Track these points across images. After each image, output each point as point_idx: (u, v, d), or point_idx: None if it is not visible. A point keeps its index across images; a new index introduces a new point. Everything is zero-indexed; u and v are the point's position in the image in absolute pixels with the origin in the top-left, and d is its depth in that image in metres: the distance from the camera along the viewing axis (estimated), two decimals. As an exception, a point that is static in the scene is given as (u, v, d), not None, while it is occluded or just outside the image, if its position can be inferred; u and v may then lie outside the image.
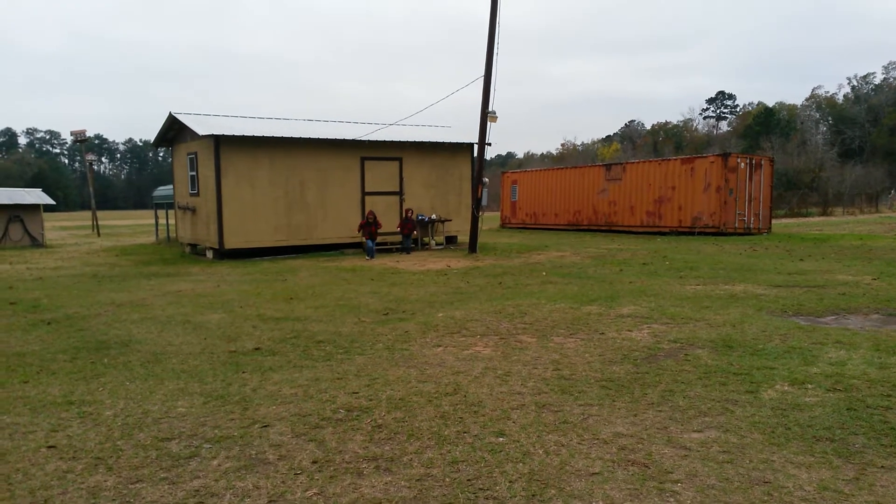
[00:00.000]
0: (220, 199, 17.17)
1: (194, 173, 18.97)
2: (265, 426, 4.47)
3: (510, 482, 3.55)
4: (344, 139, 18.79)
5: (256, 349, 6.78)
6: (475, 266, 14.65)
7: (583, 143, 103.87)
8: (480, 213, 18.58)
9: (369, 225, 17.49)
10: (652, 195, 25.70)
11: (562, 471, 3.69)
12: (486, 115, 17.93)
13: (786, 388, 5.16)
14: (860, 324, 7.64)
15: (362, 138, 18.92)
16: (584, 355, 6.31)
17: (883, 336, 6.89)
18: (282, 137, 17.82)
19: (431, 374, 5.68)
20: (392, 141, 19.45)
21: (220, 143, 17.08)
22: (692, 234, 23.80)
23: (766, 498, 3.33)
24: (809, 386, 5.18)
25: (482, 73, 17.55)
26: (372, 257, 17.07)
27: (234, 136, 17.13)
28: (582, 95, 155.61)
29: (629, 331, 7.33)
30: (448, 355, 6.38)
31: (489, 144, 18.58)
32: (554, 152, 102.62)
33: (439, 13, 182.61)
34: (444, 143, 20.56)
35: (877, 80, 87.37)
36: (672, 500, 3.34)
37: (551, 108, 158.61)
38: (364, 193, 19.12)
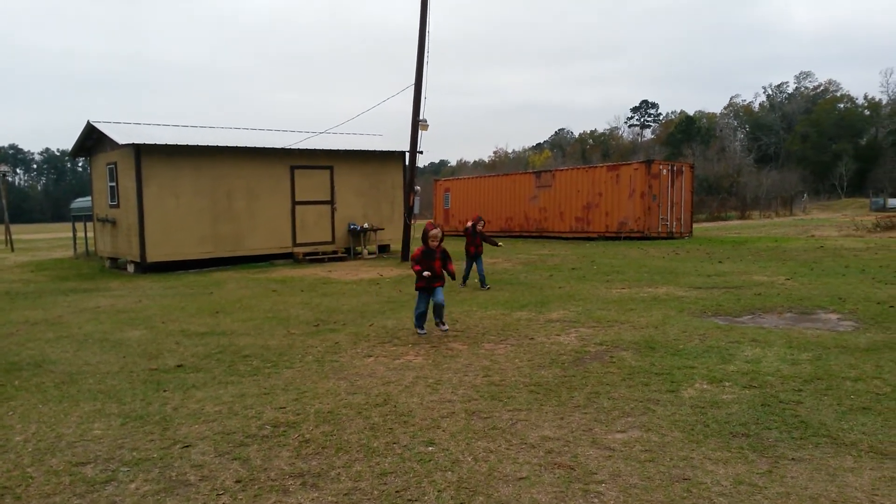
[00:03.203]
0: (142, 210, 16.57)
1: (114, 184, 18.24)
2: (186, 446, 4.32)
3: (439, 491, 3.54)
4: (273, 147, 18.46)
5: (179, 366, 6.55)
6: (408, 275, 14.61)
7: (514, 151, 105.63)
8: (413, 222, 18.59)
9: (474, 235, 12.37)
10: (581, 201, 26.31)
11: (490, 477, 3.71)
12: (417, 124, 17.97)
13: (705, 386, 5.35)
14: (774, 322, 8.02)
15: (292, 146, 18.64)
16: (514, 361, 6.37)
17: (795, 334, 7.25)
18: (207, 146, 17.35)
19: (362, 386, 5.62)
20: (323, 149, 19.24)
21: (142, 153, 16.49)
22: (619, 238, 24.48)
23: (685, 495, 3.44)
24: (727, 384, 5.40)
25: (413, 81, 17.61)
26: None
27: (156, 145, 16.57)
28: (513, 104, 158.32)
29: (558, 335, 7.46)
30: (379, 365, 6.33)
31: (421, 152, 18.64)
32: (486, 160, 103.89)
33: (368, 22, 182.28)
34: (375, 151, 20.49)
35: (790, 89, 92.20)
36: (596, 500, 3.41)
37: (484, 117, 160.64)
38: (294, 203, 18.82)
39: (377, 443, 4.26)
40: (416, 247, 7.95)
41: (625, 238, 24.35)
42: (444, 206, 33.54)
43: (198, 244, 17.36)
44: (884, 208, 50.85)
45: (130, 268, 17.47)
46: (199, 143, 17.25)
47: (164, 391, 5.65)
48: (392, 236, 20.35)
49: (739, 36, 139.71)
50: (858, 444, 4.06)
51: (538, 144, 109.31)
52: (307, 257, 18.55)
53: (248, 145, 18.10)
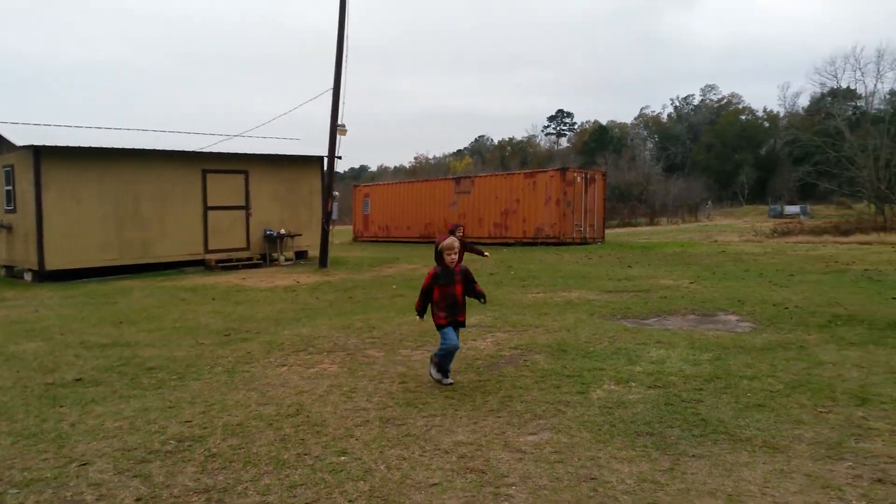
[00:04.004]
0: (41, 215, 15.62)
1: (10, 188, 17.12)
2: (84, 464, 4.09)
3: (350, 502, 3.49)
4: (183, 150, 17.82)
5: (78, 380, 6.20)
6: (325, 281, 14.42)
7: (435, 157, 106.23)
8: (331, 227, 18.36)
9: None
10: (499, 207, 26.72)
11: (402, 485, 3.69)
12: (335, 128, 17.79)
13: (612, 387, 5.53)
14: (678, 324, 8.38)
15: (204, 150, 18.06)
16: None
17: (697, 335, 7.60)
18: (113, 148, 16.57)
19: (273, 396, 5.48)
20: (237, 153, 18.73)
21: (41, 155, 15.56)
22: (535, 244, 25.00)
23: (591, 494, 3.53)
24: (633, 384, 5.59)
25: (331, 85, 17.42)
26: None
27: (57, 147, 15.68)
28: (434, 110, 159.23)
29: (474, 340, 7.52)
30: (293, 375, 6.20)
31: (339, 157, 18.46)
32: (407, 165, 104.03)
33: (284, 24, 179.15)
34: (292, 156, 20.13)
35: (696, 102, 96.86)
36: (506, 503, 3.45)
37: (405, 122, 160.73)
38: (207, 208, 18.23)
39: (288, 454, 4.16)
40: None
41: (541, 244, 24.90)
42: (363, 211, 33.33)
43: (102, 251, 16.53)
44: (781, 215, 54.23)
45: (28, 276, 16.43)
46: (104, 146, 16.45)
47: (61, 407, 5.33)
48: (310, 242, 20.02)
49: (649, 49, 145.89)
50: (753, 440, 4.28)
51: (459, 151, 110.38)
52: (220, 264, 17.99)
53: (156, 148, 17.41)
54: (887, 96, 56.58)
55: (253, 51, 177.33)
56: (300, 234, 19.88)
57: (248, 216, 19.05)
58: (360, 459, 4.06)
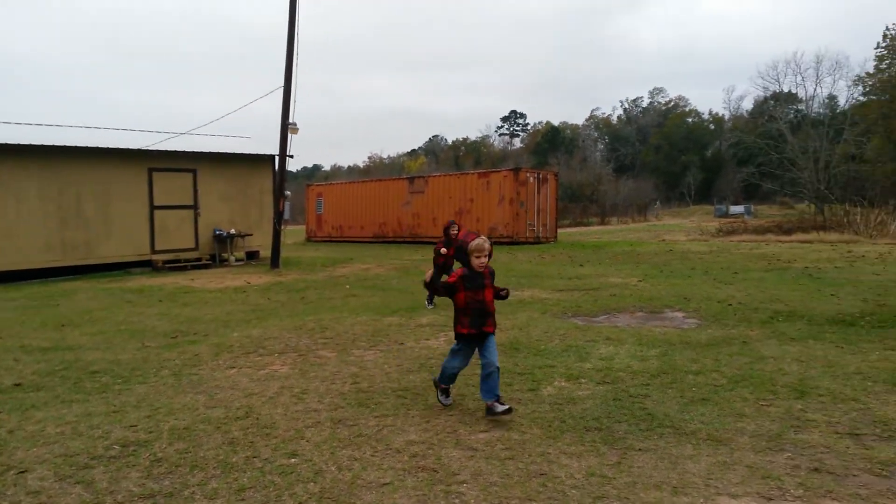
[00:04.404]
0: (-24, 215, 14.98)
1: (-58, 186, 16.36)
2: (23, 472, 3.95)
3: (299, 503, 3.46)
4: (129, 149, 17.34)
5: (17, 385, 5.98)
6: (277, 281, 14.23)
7: (390, 157, 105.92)
8: (283, 227, 18.13)
9: (450, 244, 9.82)
10: (453, 207, 26.78)
11: (353, 485, 3.67)
12: (286, 127, 17.56)
13: (563, 383, 5.61)
14: (627, 321, 8.55)
15: (150, 147, 17.63)
16: (384, 367, 6.37)
17: (644, 332, 7.76)
18: (55, 146, 16.00)
19: (222, 399, 5.38)
20: (185, 151, 18.33)
21: (-25, 152, 14.93)
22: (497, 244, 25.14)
23: (540, 489, 3.57)
24: (583, 380, 5.68)
25: (282, 83, 17.19)
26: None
27: (-8, 144, 15.06)
28: (388, 109, 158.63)
29: (427, 339, 7.54)
30: (242, 377, 6.10)
31: (291, 156, 18.23)
32: (361, 165, 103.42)
33: (234, 20, 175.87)
34: (243, 154, 19.80)
35: (644, 104, 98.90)
36: (457, 500, 3.47)
37: (359, 122, 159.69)
38: (153, 207, 17.77)
39: (236, 458, 4.09)
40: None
41: (494, 243, 25.05)
42: (316, 211, 32.99)
43: (43, 252, 15.95)
44: (726, 215, 55.81)
45: (-39, 279, 15.73)
46: (46, 143, 15.88)
47: (-3, 414, 5.13)
48: (261, 242, 19.71)
49: (600, 51, 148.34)
50: (698, 433, 4.40)
51: (413, 150, 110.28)
52: (168, 265, 17.57)
53: (100, 146, 16.90)
54: (826, 100, 58.86)
55: (202, 47, 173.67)
56: (251, 234, 19.56)
57: (196, 216, 18.65)
58: (310, 461, 4.03)
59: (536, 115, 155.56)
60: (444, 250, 9.78)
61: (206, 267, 18.01)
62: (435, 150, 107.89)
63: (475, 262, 4.92)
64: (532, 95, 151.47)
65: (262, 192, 20.19)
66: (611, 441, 4.27)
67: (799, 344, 6.94)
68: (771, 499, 3.45)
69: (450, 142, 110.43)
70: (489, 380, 4.72)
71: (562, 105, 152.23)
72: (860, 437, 4.28)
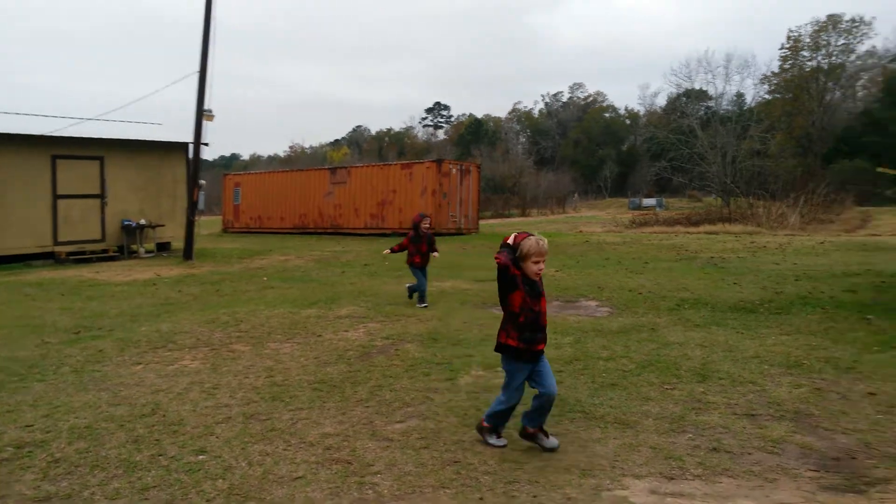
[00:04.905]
0: None
1: None
2: None
3: (207, 501, 3.36)
4: (30, 135, 16.29)
5: None
6: (189, 274, 13.74)
7: (312, 147, 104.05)
8: (197, 218, 17.51)
9: (419, 240, 9.37)
10: (375, 198, 26.59)
11: (264, 480, 3.60)
12: (202, 113, 16.93)
13: (480, 372, 5.68)
14: (544, 310, 8.72)
15: (54, 134, 16.60)
16: (300, 359, 6.26)
17: (560, 320, 7.95)
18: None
19: (127, 396, 5.15)
20: (91, 138, 17.37)
21: None
22: (412, 235, 25.17)
23: (454, 476, 3.61)
24: (499, 369, 5.72)
25: (197, 69, 16.55)
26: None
27: None
28: (311, 99, 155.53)
29: (346, 331, 7.46)
30: (149, 373, 5.86)
31: (206, 144, 17.57)
32: (282, 154, 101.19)
33: (145, 4, 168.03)
34: (154, 141, 18.95)
35: (564, 98, 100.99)
36: (371, 491, 3.46)
37: (279, 110, 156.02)
38: (56, 196, 16.77)
39: (140, 456, 3.93)
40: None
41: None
42: (233, 201, 32.05)
43: (-70, 243, 14.80)
44: (639, 207, 57.81)
45: None
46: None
47: None
48: (174, 233, 18.97)
49: (523, 46, 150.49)
50: (606, 417, 4.55)
51: (336, 141, 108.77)
52: (72, 257, 16.65)
53: (-4, 130, 15.79)
54: (734, 98, 61.84)
55: (112, 31, 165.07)
56: (162, 225, 18.80)
57: (103, 205, 17.74)
58: (219, 457, 3.92)
59: (460, 108, 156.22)
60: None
61: (113, 259, 17.19)
62: (358, 141, 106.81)
63: (532, 268, 4.01)
64: (456, 87, 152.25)
65: (175, 181, 19.41)
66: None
67: (703, 330, 7.28)
68: (672, 478, 3.61)
69: (373, 132, 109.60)
70: (541, 411, 3.98)
71: (485, 98, 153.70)
72: (756, 418, 4.53)
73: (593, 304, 9.22)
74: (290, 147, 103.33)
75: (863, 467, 3.75)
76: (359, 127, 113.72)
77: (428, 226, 9.45)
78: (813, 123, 51.73)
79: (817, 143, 50.78)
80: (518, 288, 4.01)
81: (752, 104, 58.58)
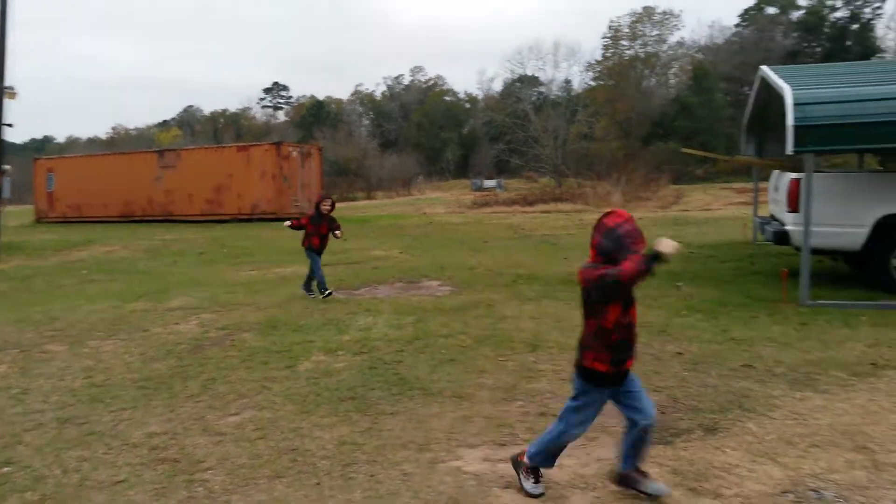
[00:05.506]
0: None
1: None
2: None
3: (12, 518, 3.05)
4: None
5: None
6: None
7: (138, 128, 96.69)
8: (2, 207, 15.67)
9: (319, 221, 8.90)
10: (210, 183, 25.26)
11: (81, 487, 3.33)
12: (1, 91, 15.11)
13: (321, 357, 5.61)
14: (387, 292, 8.80)
15: None
16: (124, 357, 5.83)
17: (402, 301, 8.05)
18: None
19: (-88, 410, 4.53)
20: None
21: None
22: (251, 220, 24.23)
23: (290, 465, 3.55)
24: (341, 353, 5.73)
25: (-10, 39, 14.69)
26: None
27: None
28: (135, 78, 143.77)
29: (176, 324, 7.05)
30: (-58, 382, 5.18)
31: (10, 125, 15.73)
32: (104, 137, 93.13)
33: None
34: (-58, 121, 16.63)
35: (406, 82, 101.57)
36: (201, 488, 3.31)
37: (100, 90, 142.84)
38: None
39: (-72, 477, 3.48)
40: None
41: (258, 220, 24.20)
42: (46, 188, 29.02)
43: None
44: (481, 189, 59.69)
45: None
46: None
47: None
48: (-26, 225, 16.85)
49: (362, 27, 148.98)
50: (444, 392, 4.68)
51: (165, 122, 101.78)
52: None
53: None
54: (563, 84, 65.46)
55: None
56: (-40, 216, 16.63)
57: None
58: (28, 467, 3.57)
59: (301, 89, 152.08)
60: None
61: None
62: (190, 122, 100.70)
63: (637, 247, 3.07)
64: (295, 68, 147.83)
65: (-28, 166, 17.19)
66: (364, 408, 4.38)
67: (534, 303, 7.69)
68: (504, 444, 3.79)
69: (207, 113, 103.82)
70: (639, 446, 3.14)
71: (326, 79, 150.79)
72: (579, 381, 4.86)
73: (435, 283, 9.42)
74: (114, 129, 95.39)
75: (670, 420, 4.16)
76: (190, 107, 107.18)
77: (329, 207, 8.95)
78: (633, 108, 56.08)
79: (637, 127, 55.11)
80: (617, 298, 3.07)
81: (580, 90, 62.47)
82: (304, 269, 10.99)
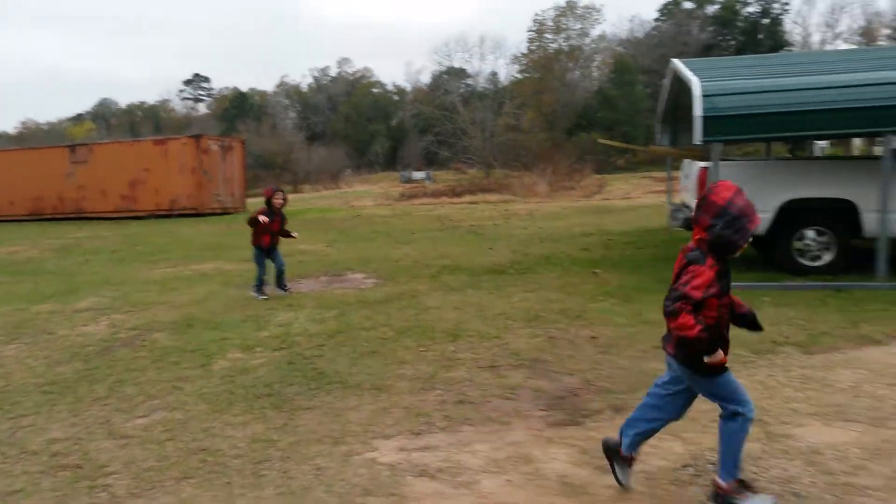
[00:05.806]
0: None
1: None
2: None
3: None
4: None
5: None
6: None
7: (48, 122, 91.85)
8: None
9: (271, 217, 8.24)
10: (126, 178, 24.22)
11: (-30, 502, 3.14)
12: None
13: (237, 355, 5.48)
14: (310, 287, 8.67)
15: None
16: (27, 361, 5.54)
17: (326, 295, 7.96)
18: None
19: None
20: None
21: None
22: (171, 216, 23.41)
23: (200, 465, 3.46)
24: (258, 349, 5.62)
25: None
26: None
27: None
28: (44, 72, 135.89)
29: (84, 325, 6.74)
30: None
31: None
32: (12, 132, 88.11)
33: None
34: None
35: (333, 74, 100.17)
36: (104, 493, 3.19)
37: (7, 84, 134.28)
38: None
39: None
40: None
41: (178, 215, 23.39)
42: (-55, 186, 27.17)
43: None
44: (410, 181, 59.60)
45: None
46: None
47: None
48: None
49: (286, 18, 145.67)
50: (363, 385, 4.65)
51: (78, 115, 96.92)
52: None
53: None
54: (490, 76, 66.03)
55: None
56: None
57: None
58: (-88, 485, 3.34)
59: (222, 81, 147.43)
60: (263, 218, 8.06)
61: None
62: (105, 116, 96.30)
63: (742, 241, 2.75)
64: (216, 60, 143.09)
65: None
66: (279, 405, 4.31)
67: (458, 293, 7.74)
68: (420, 433, 3.81)
69: (123, 106, 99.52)
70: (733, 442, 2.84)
71: (248, 71, 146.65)
72: (497, 369, 4.94)
73: (360, 276, 9.35)
74: (22, 123, 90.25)
75: (582, 402, 4.28)
76: (105, 100, 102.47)
77: (281, 201, 8.41)
78: (558, 100, 57.09)
79: (562, 119, 56.14)
80: (710, 297, 2.77)
81: (506, 83, 63.13)
82: (225, 265, 10.75)
